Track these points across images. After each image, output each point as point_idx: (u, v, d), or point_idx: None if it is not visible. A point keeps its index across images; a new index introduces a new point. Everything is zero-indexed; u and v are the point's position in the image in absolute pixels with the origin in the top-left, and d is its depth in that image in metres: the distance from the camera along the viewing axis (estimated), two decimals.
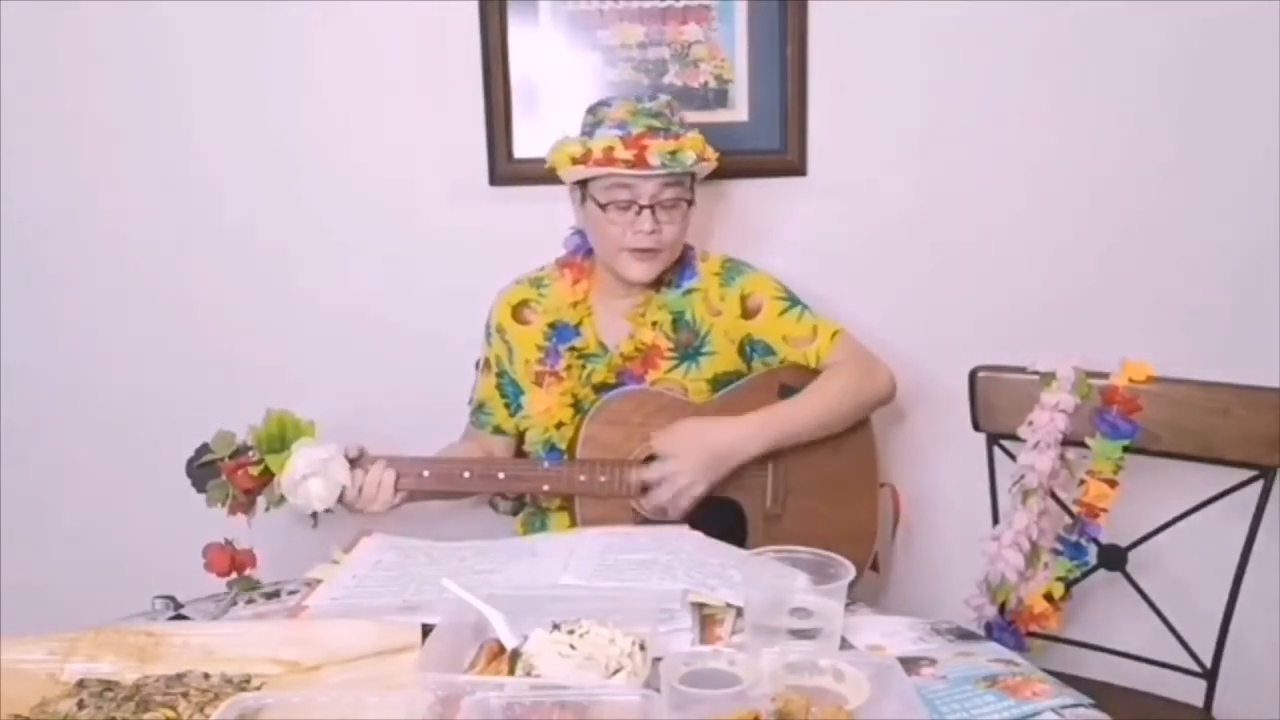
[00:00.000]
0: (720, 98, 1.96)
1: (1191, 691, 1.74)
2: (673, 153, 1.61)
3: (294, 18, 1.93)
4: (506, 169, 1.97)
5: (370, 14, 1.92)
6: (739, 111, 1.96)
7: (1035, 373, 1.76)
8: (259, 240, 2.01)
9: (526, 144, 1.95)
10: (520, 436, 1.80)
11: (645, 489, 1.63)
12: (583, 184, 1.67)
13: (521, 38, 1.93)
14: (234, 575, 1.50)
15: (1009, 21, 1.94)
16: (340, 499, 1.55)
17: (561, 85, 1.95)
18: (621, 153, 1.60)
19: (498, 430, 1.80)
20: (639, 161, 1.60)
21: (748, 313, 1.72)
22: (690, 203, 1.68)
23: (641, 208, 1.63)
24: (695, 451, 1.60)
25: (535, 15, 1.93)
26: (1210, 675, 1.73)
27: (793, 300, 1.74)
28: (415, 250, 2.01)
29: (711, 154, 1.68)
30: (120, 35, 1.93)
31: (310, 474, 1.50)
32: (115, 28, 1.93)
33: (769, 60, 1.94)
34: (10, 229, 1.99)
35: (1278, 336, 1.98)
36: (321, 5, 1.93)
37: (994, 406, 1.81)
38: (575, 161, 1.64)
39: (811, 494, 1.68)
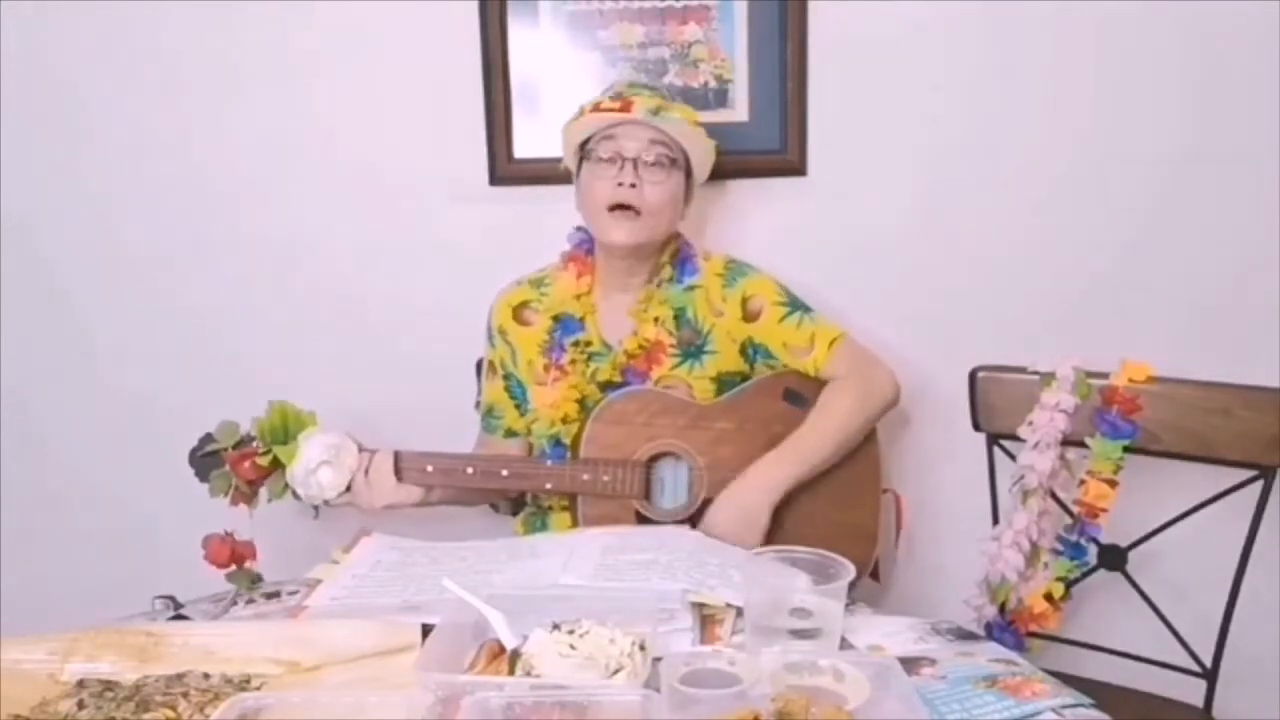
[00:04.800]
0: (720, 98, 1.96)
1: (1191, 691, 1.74)
2: (658, 109, 1.65)
3: (294, 18, 1.93)
4: (506, 169, 1.97)
5: (371, 14, 1.92)
6: (739, 111, 1.96)
7: (1035, 373, 1.76)
8: (259, 240, 2.01)
9: (526, 144, 1.95)
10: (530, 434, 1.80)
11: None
12: (581, 157, 1.70)
13: (521, 38, 1.93)
14: (233, 567, 1.50)
15: (1008, 21, 1.94)
16: (347, 489, 1.55)
17: (561, 85, 1.95)
18: (608, 104, 1.67)
19: (510, 433, 1.80)
20: (624, 110, 1.65)
21: (749, 315, 1.72)
22: (675, 164, 1.68)
23: (625, 160, 1.64)
24: (726, 530, 1.58)
25: (535, 15, 1.93)
26: (1210, 675, 1.73)
27: (793, 305, 1.74)
28: (415, 250, 2.01)
29: (705, 139, 1.71)
30: (120, 36, 1.93)
31: (323, 461, 1.51)
32: (115, 29, 1.93)
33: (769, 60, 1.94)
34: (10, 228, 1.99)
35: (1278, 336, 1.98)
36: (322, 6, 1.93)
37: (994, 406, 1.82)
38: (569, 124, 1.69)
39: (815, 496, 1.68)
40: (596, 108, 1.68)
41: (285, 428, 1.52)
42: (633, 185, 1.64)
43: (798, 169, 1.98)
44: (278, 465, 1.52)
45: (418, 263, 2.01)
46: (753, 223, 1.99)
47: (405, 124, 1.97)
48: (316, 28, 1.94)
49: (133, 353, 2.04)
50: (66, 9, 1.92)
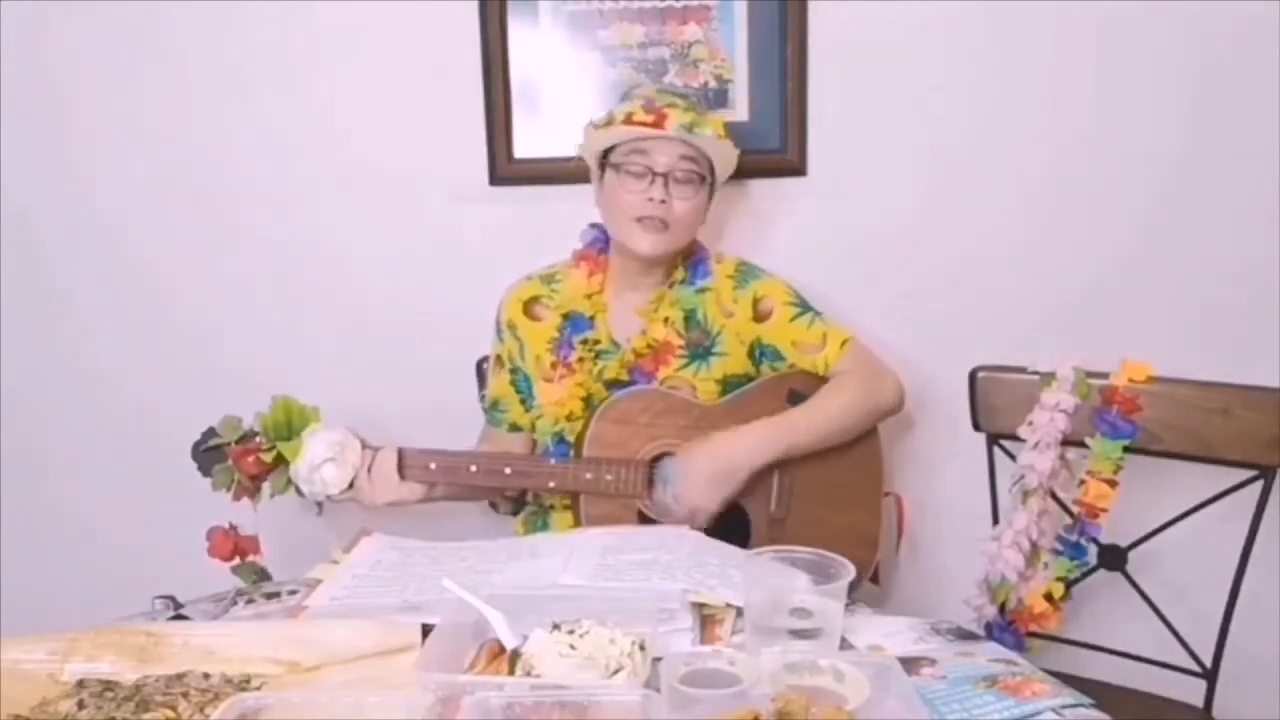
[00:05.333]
0: (720, 98, 1.96)
1: (1191, 691, 1.74)
2: (691, 125, 1.64)
3: (294, 18, 1.93)
4: (506, 169, 1.97)
5: (370, 14, 1.92)
6: (739, 111, 1.96)
7: (1035, 373, 1.76)
8: (259, 241, 2.01)
9: (526, 144, 1.95)
10: (535, 431, 1.80)
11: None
12: (604, 162, 1.69)
13: (521, 38, 1.93)
14: (236, 560, 1.50)
15: (1008, 21, 1.94)
16: (350, 485, 1.55)
17: (561, 85, 1.95)
18: (641, 116, 1.64)
19: (514, 427, 1.81)
20: (658, 124, 1.63)
21: (759, 316, 1.73)
22: (704, 180, 1.68)
23: (655, 175, 1.64)
24: (700, 473, 1.60)
25: (535, 15, 1.93)
26: (1210, 675, 1.74)
27: (804, 307, 1.74)
28: (415, 250, 2.01)
29: (732, 149, 1.70)
30: (119, 35, 1.93)
31: (327, 458, 1.51)
32: (114, 28, 1.93)
33: (769, 60, 1.94)
34: (10, 228, 1.99)
35: (1278, 336, 1.98)
36: (322, 5, 1.93)
37: (994, 406, 1.82)
38: (598, 129, 1.67)
39: (816, 498, 1.68)
40: (629, 119, 1.64)
41: (289, 423, 1.52)
42: (663, 201, 1.64)
43: (798, 169, 1.98)
44: (281, 461, 1.52)
45: (418, 263, 2.01)
46: (752, 222, 2.00)
47: (405, 124, 1.97)
48: (316, 28, 1.94)
49: (133, 352, 2.04)
50: (66, 9, 1.92)
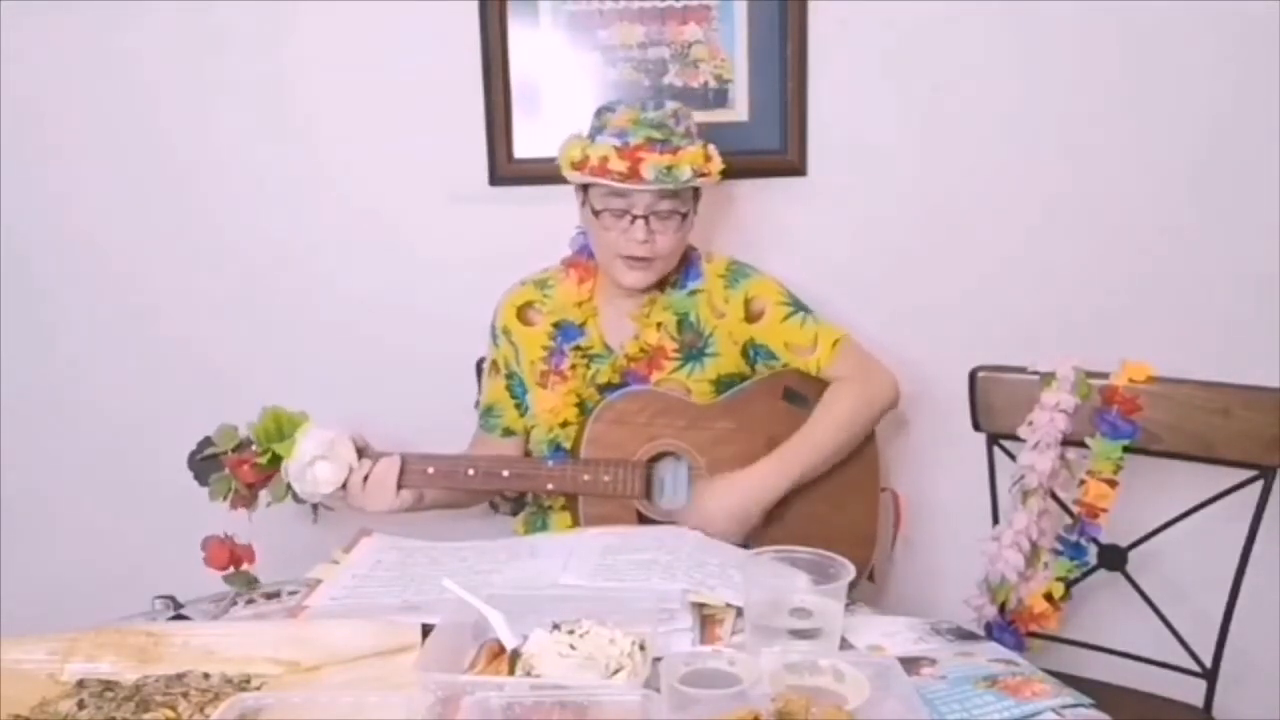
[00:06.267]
0: (720, 98, 1.96)
1: (1191, 691, 1.74)
2: (668, 168, 1.60)
3: (294, 18, 1.93)
4: (506, 169, 1.97)
5: (370, 14, 1.92)
6: (739, 111, 1.96)
7: (1035, 373, 1.76)
8: (258, 243, 2.00)
9: (526, 144, 1.95)
10: (528, 436, 1.80)
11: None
12: (584, 187, 1.67)
13: (521, 38, 1.93)
14: (232, 569, 1.49)
15: (1008, 21, 1.94)
16: (343, 486, 1.55)
17: (561, 85, 1.95)
18: (616, 164, 1.59)
19: (507, 432, 1.80)
20: (632, 174, 1.59)
21: (751, 316, 1.72)
22: (686, 215, 1.66)
23: (635, 217, 1.63)
24: (719, 520, 1.59)
25: (535, 15, 1.93)
26: (1210, 675, 1.74)
27: (796, 306, 1.74)
28: (415, 251, 2.01)
29: (714, 166, 1.66)
30: (117, 35, 1.93)
31: (319, 456, 1.51)
32: (114, 27, 1.93)
33: (769, 60, 1.94)
34: (7, 235, 1.99)
35: (1278, 336, 1.98)
36: (322, 5, 1.92)
37: (994, 406, 1.82)
38: (574, 166, 1.64)
39: (814, 496, 1.68)
40: (604, 165, 1.59)
41: (280, 430, 1.52)
42: (645, 241, 1.63)
43: (798, 169, 1.98)
44: (276, 466, 1.51)
45: (417, 262, 2.01)
46: (753, 223, 2.00)
47: (405, 124, 1.97)
48: (317, 28, 1.94)
49: (131, 358, 2.04)
50: (67, 8, 1.91)
